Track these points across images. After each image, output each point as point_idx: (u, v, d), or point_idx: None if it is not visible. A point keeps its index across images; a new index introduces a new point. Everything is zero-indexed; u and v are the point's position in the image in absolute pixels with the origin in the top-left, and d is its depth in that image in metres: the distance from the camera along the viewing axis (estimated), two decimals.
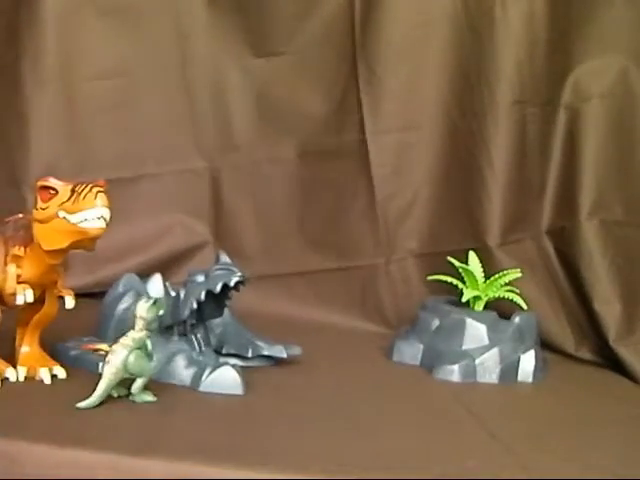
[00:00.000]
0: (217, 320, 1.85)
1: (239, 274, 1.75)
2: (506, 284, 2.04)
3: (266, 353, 1.86)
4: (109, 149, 2.39)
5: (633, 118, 2.23)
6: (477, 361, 1.92)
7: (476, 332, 1.95)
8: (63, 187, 1.51)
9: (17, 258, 1.60)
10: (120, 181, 2.38)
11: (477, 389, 1.88)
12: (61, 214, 1.50)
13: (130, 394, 1.57)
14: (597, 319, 2.12)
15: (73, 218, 1.49)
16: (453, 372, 1.91)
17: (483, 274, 2.05)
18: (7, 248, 1.61)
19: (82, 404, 1.50)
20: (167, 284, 1.79)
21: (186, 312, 1.73)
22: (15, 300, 1.58)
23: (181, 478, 1.33)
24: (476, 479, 1.39)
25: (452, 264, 2.07)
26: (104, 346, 1.81)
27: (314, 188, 2.38)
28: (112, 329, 1.78)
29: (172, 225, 2.40)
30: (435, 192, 2.32)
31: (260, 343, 1.86)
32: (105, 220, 1.50)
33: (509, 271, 2.06)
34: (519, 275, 2.06)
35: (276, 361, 1.88)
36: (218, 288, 1.73)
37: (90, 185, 1.50)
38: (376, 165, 2.32)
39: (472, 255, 2.08)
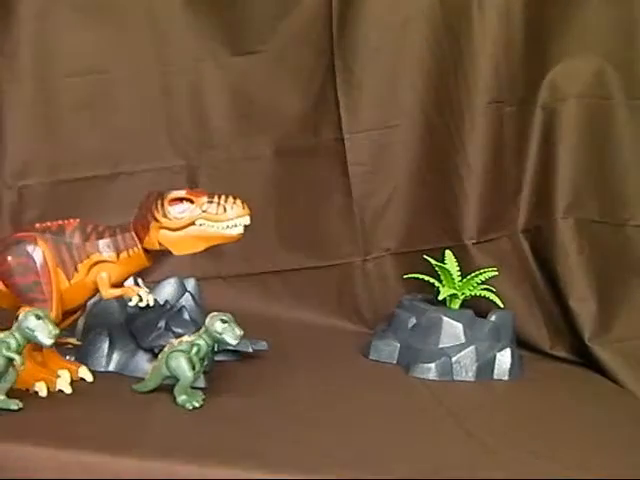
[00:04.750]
0: (184, 312, 1.85)
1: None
2: (482, 282, 2.05)
3: (231, 347, 1.85)
4: (85, 147, 2.37)
5: (609, 118, 2.24)
6: (454, 359, 1.92)
7: (453, 330, 1.95)
8: (199, 199, 1.59)
9: (106, 264, 1.64)
10: (96, 179, 2.37)
11: (454, 387, 1.88)
12: (199, 222, 1.59)
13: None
14: (573, 317, 2.13)
15: (217, 226, 1.59)
16: (430, 370, 1.91)
17: (459, 272, 2.06)
18: (80, 253, 1.65)
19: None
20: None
21: None
22: (130, 301, 1.64)
23: (154, 478, 1.33)
24: (452, 478, 1.39)
25: (429, 262, 2.08)
26: (73, 340, 1.81)
27: (291, 186, 2.37)
28: (82, 323, 1.80)
29: None
30: (412, 191, 2.32)
31: None
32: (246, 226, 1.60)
33: (485, 269, 2.06)
34: (495, 273, 2.06)
35: (242, 355, 1.88)
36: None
37: (230, 195, 1.60)
38: (353, 164, 2.31)
39: (448, 254, 2.09)
